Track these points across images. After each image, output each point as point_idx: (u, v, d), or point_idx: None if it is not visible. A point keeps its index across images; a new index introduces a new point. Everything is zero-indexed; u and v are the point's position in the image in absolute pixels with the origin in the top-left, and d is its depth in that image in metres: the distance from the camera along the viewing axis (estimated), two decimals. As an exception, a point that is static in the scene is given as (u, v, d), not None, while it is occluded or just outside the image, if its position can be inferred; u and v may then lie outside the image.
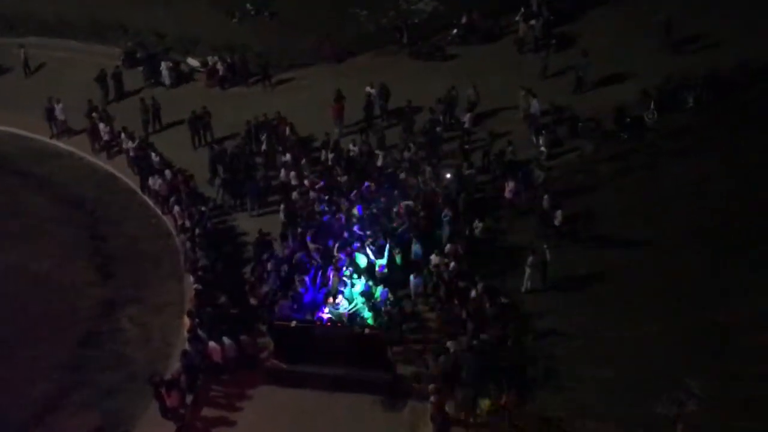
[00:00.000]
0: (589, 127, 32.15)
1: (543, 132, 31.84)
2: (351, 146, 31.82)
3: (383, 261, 26.14)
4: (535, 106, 32.68)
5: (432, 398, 21.77)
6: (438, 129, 32.64)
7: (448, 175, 29.69)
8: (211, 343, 23.83)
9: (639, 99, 32.67)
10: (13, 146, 35.86)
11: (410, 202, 28.37)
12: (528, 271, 25.91)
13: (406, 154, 31.15)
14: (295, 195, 29.58)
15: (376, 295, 25.22)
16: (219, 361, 23.90)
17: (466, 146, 31.70)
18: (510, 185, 29.14)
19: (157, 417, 22.72)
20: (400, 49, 39.25)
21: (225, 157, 31.94)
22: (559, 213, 27.40)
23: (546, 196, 28.02)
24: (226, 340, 23.89)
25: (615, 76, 34.74)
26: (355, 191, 28.98)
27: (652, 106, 32.15)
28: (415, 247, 26.53)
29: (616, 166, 30.82)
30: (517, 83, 33.98)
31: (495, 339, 23.72)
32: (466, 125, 32.96)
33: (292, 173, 30.66)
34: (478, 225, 27.72)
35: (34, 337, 25.71)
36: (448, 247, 26.57)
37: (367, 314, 24.71)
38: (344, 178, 29.98)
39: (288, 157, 31.46)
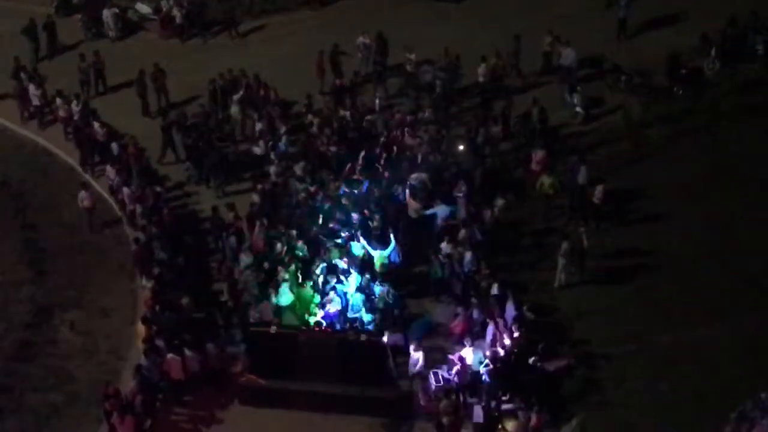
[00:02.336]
0: (636, 81, 32.07)
1: (578, 88, 31.75)
2: (341, 110, 31.73)
3: (387, 252, 26.08)
4: (569, 56, 32.60)
5: (445, 419, 21.74)
6: (445, 87, 32.68)
7: (461, 147, 29.64)
8: (170, 355, 23.81)
9: (697, 46, 32.60)
10: None
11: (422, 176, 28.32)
12: (561, 261, 25.93)
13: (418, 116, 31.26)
14: (272, 170, 29.51)
15: (374, 293, 25.22)
16: (180, 377, 23.89)
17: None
18: (538, 155, 29.08)
19: (106, 447, 22.77)
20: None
21: (184, 124, 31.85)
22: (599, 189, 27.36)
23: (583, 168, 27.98)
24: (187, 351, 23.86)
25: (666, 17, 34.64)
26: (349, 165, 28.91)
27: (713, 54, 32.09)
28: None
29: (669, 130, 30.88)
30: (544, 28, 33.93)
31: (522, 346, 23.72)
32: (481, 80, 32.91)
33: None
34: (498, 202, 27.70)
35: (-48, 350, 25.68)
36: (462, 232, 26.56)
37: (366, 316, 24.69)
38: (334, 149, 29.91)
39: (263, 124, 31.36)
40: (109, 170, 30.44)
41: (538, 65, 33.90)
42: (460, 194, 27.68)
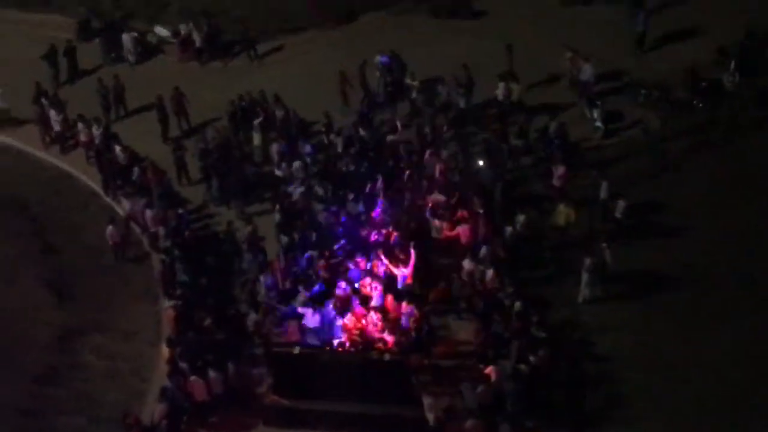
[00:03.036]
0: (655, 95, 32.03)
1: (598, 103, 31.74)
2: (360, 129, 31.80)
3: (406, 270, 26.09)
4: (587, 71, 32.59)
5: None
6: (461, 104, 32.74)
7: (481, 162, 29.63)
8: (193, 378, 23.85)
9: (716, 58, 32.52)
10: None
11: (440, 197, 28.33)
12: (585, 276, 25.85)
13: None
14: (293, 190, 29.58)
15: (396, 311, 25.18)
16: (203, 398, 23.89)
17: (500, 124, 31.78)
18: (559, 170, 29.05)
19: (131, 470, 22.81)
20: (416, 5, 39.14)
21: (207, 146, 31.97)
22: (621, 203, 27.26)
23: (604, 183, 27.92)
24: (211, 372, 23.88)
25: (684, 31, 34.58)
26: (371, 184, 28.95)
27: (732, 67, 32.00)
28: None
29: (688, 143, 30.78)
30: (560, 43, 33.95)
31: (546, 363, 23.63)
32: (500, 98, 32.88)
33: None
34: (519, 219, 27.67)
35: (-22, 375, 25.84)
36: (483, 249, 26.50)
37: (388, 336, 24.65)
38: (353, 168, 29.95)
39: (282, 145, 31.46)
40: (124, 201, 30.38)
41: (555, 80, 33.87)
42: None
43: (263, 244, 28.07)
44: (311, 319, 25.04)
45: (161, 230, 28.87)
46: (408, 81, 33.50)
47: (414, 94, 33.40)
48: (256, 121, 32.44)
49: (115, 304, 28.15)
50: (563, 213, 27.20)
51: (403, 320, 24.96)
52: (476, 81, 32.64)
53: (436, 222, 27.62)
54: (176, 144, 32.36)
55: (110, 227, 29.08)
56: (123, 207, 30.73)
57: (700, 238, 27.42)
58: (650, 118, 31.70)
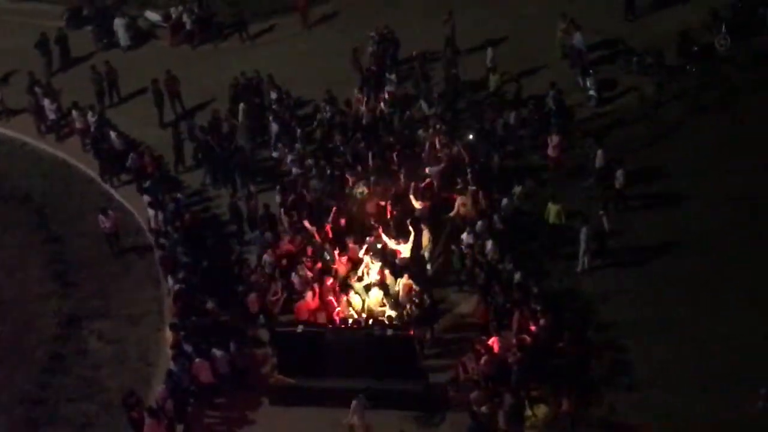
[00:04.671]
0: (648, 61, 32.01)
1: (591, 72, 31.73)
2: (360, 107, 31.78)
3: (407, 246, 26.18)
4: (579, 39, 32.55)
5: (478, 409, 21.81)
6: (457, 76, 32.74)
7: (470, 136, 29.69)
8: (197, 360, 24.02)
9: (707, 21, 32.44)
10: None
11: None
12: (583, 245, 25.91)
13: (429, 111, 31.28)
14: (293, 169, 29.69)
15: (397, 287, 25.31)
16: (209, 380, 24.09)
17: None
18: (554, 140, 29.07)
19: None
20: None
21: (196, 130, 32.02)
22: (620, 173, 27.33)
23: (600, 151, 27.97)
24: (217, 352, 24.04)
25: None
26: (371, 161, 29.04)
27: (723, 30, 31.95)
28: None
29: (683, 108, 30.79)
30: (555, 10, 33.95)
31: (547, 332, 23.75)
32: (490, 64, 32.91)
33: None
34: (516, 190, 27.73)
35: (-15, 365, 26.00)
36: (479, 224, 26.58)
37: (389, 311, 24.79)
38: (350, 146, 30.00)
39: (278, 126, 31.49)
40: (103, 219, 29.11)
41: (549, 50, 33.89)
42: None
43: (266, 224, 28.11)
44: (311, 299, 25.15)
45: (160, 214, 28.92)
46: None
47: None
48: (242, 106, 32.24)
49: (118, 290, 28.25)
50: (553, 210, 26.79)
51: (404, 295, 25.05)
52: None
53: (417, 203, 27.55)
54: (175, 129, 32.30)
55: (101, 216, 28.94)
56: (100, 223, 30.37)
57: (698, 203, 27.50)
58: (644, 85, 31.66)
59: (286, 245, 27.08)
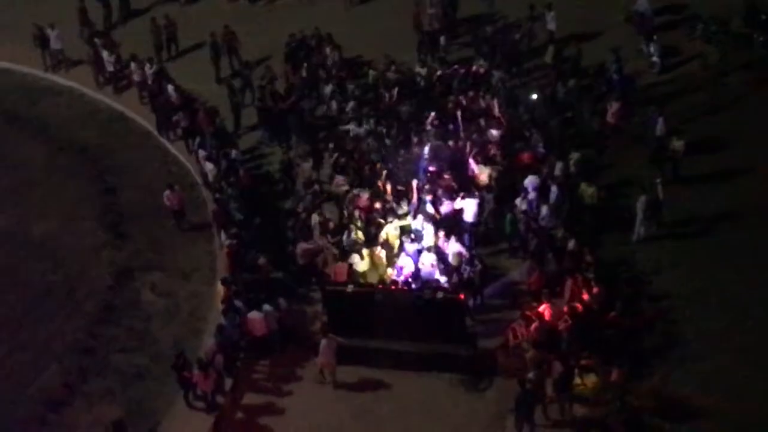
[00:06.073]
0: (713, 28, 31.39)
1: (654, 38, 31.18)
2: (418, 67, 31.56)
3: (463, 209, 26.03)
4: (643, 4, 32.03)
5: (530, 374, 21.69)
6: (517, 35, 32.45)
7: (534, 96, 29.32)
8: (253, 313, 24.13)
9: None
10: (1, 83, 36.37)
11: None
12: (640, 215, 25.57)
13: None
14: (349, 129, 29.58)
15: (448, 250, 25.18)
16: (262, 333, 24.17)
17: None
18: (614, 107, 28.64)
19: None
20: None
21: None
22: (679, 144, 26.87)
23: (660, 120, 27.51)
24: (267, 307, 24.16)
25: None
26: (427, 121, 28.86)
27: (793, -2, 31.26)
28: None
29: (747, 78, 30.22)
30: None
31: (602, 301, 23.52)
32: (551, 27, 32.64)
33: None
34: (574, 156, 27.40)
35: (39, 314, 26.29)
36: (531, 190, 26.30)
37: (439, 275, 24.67)
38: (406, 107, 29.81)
39: (331, 86, 31.36)
40: (168, 195, 28.52)
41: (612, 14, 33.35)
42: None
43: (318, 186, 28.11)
44: (360, 261, 25.16)
45: (214, 169, 28.98)
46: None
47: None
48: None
49: (171, 244, 28.46)
50: (588, 192, 26.28)
51: (456, 259, 24.91)
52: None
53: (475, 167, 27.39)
54: (231, 88, 32.24)
55: (168, 192, 28.45)
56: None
57: (759, 175, 26.95)
58: (708, 53, 31.09)
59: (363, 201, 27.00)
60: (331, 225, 26.57)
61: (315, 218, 26.54)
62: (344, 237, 25.94)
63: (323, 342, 22.90)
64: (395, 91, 30.55)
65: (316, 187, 27.94)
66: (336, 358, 23.17)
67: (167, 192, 28.35)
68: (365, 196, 26.89)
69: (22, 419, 23.49)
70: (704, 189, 26.94)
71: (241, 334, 24.20)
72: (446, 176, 27.15)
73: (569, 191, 26.42)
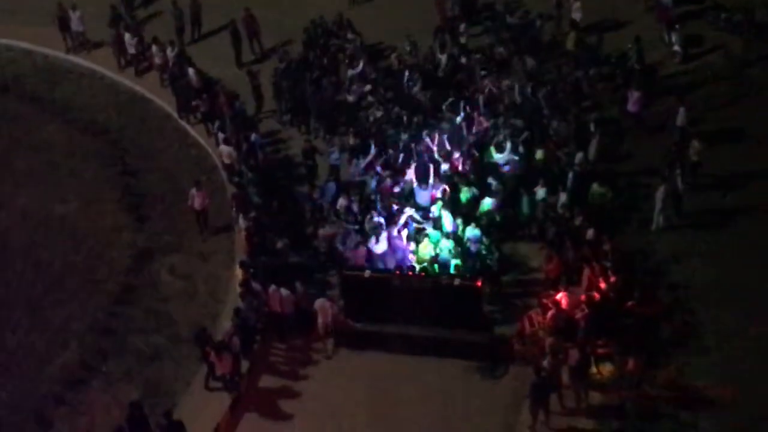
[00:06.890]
0: (737, 18, 31.20)
1: (676, 27, 31.01)
2: (438, 53, 31.54)
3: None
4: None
5: (547, 361, 21.71)
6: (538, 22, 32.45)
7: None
8: (272, 288, 24.22)
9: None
10: (23, 65, 36.55)
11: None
12: (659, 204, 25.49)
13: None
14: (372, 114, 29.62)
15: (466, 237, 25.18)
16: (284, 309, 24.24)
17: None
18: (634, 95, 28.53)
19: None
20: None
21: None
22: (696, 145, 26.63)
23: (681, 109, 27.39)
24: (283, 291, 24.25)
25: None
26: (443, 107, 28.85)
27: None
28: None
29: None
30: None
31: (619, 290, 23.49)
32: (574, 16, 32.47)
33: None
34: (592, 144, 27.37)
35: (58, 294, 26.49)
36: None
37: (457, 261, 24.69)
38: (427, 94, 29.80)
39: (357, 69, 31.34)
40: (193, 194, 27.66)
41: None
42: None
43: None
44: (378, 245, 25.20)
45: (234, 153, 29.04)
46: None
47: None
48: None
49: (190, 226, 28.46)
50: (597, 193, 25.90)
51: (473, 246, 24.93)
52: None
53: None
54: (251, 73, 32.25)
55: (193, 190, 27.59)
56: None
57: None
58: (732, 42, 30.88)
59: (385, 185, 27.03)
60: (355, 208, 26.59)
61: (341, 202, 26.56)
62: (365, 221, 25.95)
63: (319, 302, 23.42)
64: (416, 75, 30.52)
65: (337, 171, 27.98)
66: (334, 321, 23.62)
67: (193, 190, 27.58)
68: (387, 180, 26.91)
69: (41, 398, 23.68)
70: (722, 180, 26.80)
71: (258, 317, 24.32)
72: (465, 162, 27.12)
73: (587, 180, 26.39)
